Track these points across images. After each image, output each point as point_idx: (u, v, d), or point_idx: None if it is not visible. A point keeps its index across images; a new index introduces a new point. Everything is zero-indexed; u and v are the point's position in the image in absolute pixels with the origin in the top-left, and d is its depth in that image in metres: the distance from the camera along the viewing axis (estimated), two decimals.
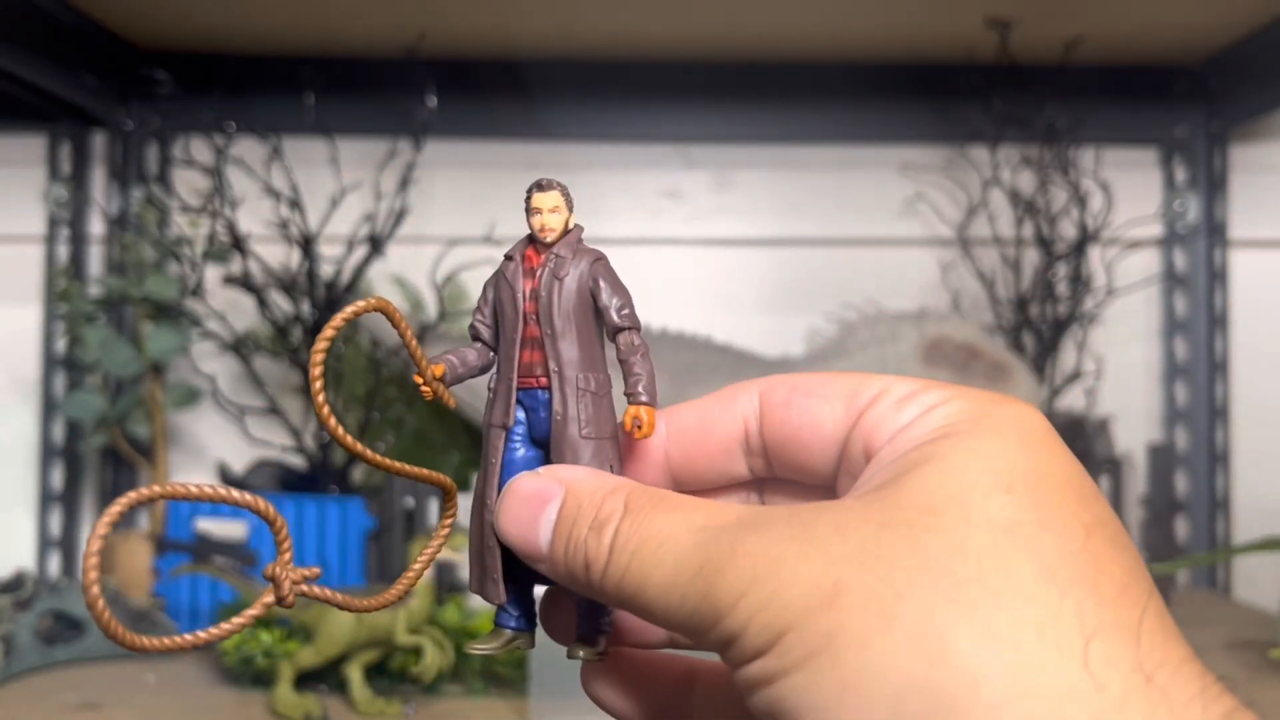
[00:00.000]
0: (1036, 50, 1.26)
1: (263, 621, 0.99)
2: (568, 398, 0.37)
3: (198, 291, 1.22)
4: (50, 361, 1.34)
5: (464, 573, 1.06)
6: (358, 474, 1.27)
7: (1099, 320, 1.33)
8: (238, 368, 1.29)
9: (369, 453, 0.37)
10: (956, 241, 1.37)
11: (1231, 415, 1.41)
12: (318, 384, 0.35)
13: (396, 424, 1.27)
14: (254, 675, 0.97)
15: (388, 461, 0.38)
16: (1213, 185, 1.41)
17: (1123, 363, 1.41)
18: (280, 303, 1.23)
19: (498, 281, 0.39)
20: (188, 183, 1.30)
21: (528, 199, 0.40)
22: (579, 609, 0.38)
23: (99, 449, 1.29)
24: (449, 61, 1.31)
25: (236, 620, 0.33)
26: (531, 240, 0.40)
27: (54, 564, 1.32)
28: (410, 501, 1.05)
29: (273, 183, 1.20)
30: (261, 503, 0.33)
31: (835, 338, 1.24)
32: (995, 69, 1.27)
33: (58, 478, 1.34)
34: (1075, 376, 1.31)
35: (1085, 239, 1.29)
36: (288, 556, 0.34)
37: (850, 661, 0.26)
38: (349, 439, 0.36)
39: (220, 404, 1.28)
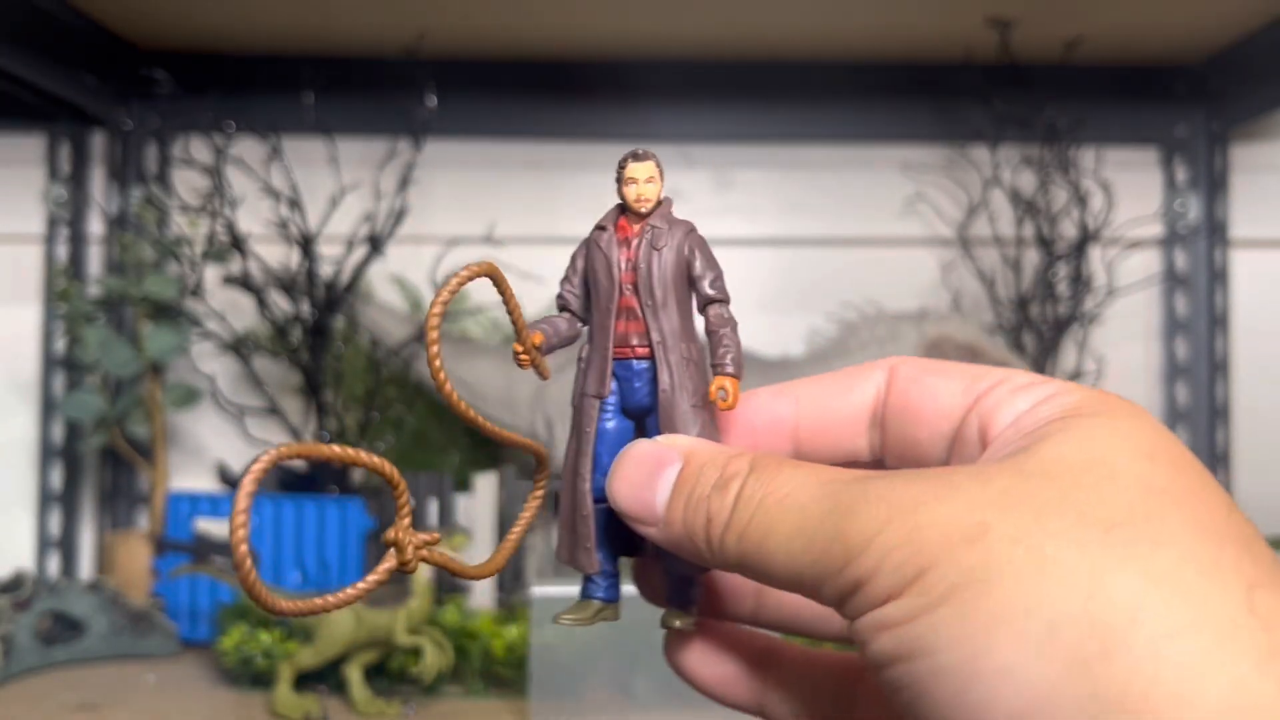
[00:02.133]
0: (1037, 50, 1.26)
1: (262, 622, 0.99)
2: (674, 368, 0.37)
3: (197, 291, 1.22)
4: (50, 361, 1.34)
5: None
6: (357, 474, 1.27)
7: (1099, 320, 1.33)
8: (237, 368, 1.29)
9: (470, 411, 0.37)
10: (957, 241, 1.37)
11: (1232, 415, 1.41)
12: (434, 348, 0.35)
13: (396, 424, 1.27)
14: (253, 676, 0.96)
15: (481, 420, 0.38)
16: (1213, 185, 1.41)
17: (1123, 363, 1.41)
18: (280, 303, 1.23)
19: (589, 251, 0.39)
20: (187, 182, 1.30)
21: (621, 168, 0.39)
22: (669, 576, 0.38)
23: (98, 449, 1.29)
24: (448, 61, 1.31)
25: (370, 579, 0.32)
26: (623, 210, 0.39)
27: (53, 564, 1.32)
28: (410, 503, 1.05)
29: (272, 182, 1.20)
30: (387, 466, 0.32)
31: (835, 338, 1.23)
32: (996, 69, 1.27)
33: (57, 478, 1.34)
34: (1076, 377, 1.31)
35: (1086, 239, 1.29)
36: (408, 521, 0.34)
37: (999, 594, 0.25)
38: (463, 405, 0.37)
39: (220, 404, 1.27)
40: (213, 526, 1.14)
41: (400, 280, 1.35)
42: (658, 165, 0.39)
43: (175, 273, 1.23)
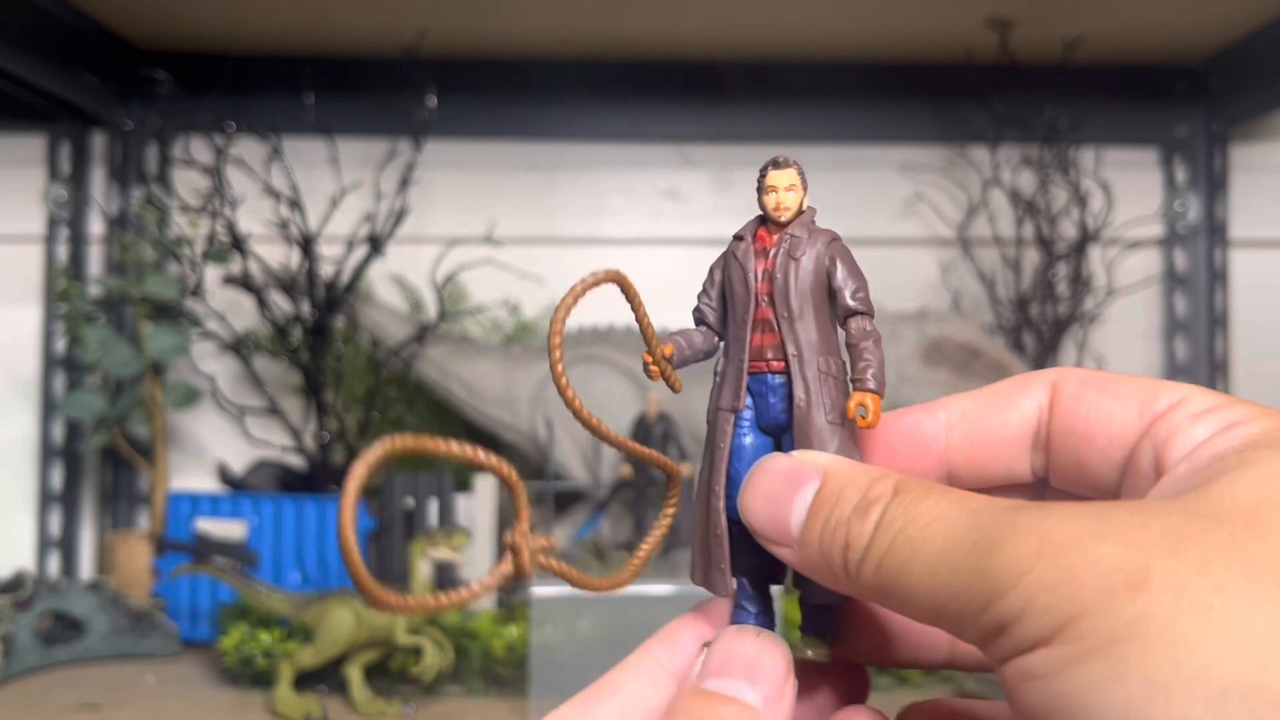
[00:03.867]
0: (1037, 50, 1.26)
1: (262, 622, 0.99)
2: (810, 382, 0.35)
3: (197, 291, 1.22)
4: (50, 361, 1.34)
5: (465, 573, 1.06)
6: None
7: (1099, 320, 1.33)
8: (237, 368, 1.29)
9: (608, 430, 0.36)
10: (957, 241, 1.37)
11: None
12: (556, 352, 0.34)
13: (396, 424, 1.27)
14: (254, 675, 0.96)
15: (618, 437, 0.37)
16: (1213, 185, 1.41)
17: (1123, 363, 1.41)
18: (280, 303, 1.23)
19: (726, 262, 0.38)
20: (187, 183, 1.30)
21: (762, 176, 0.38)
22: (804, 602, 0.36)
23: (99, 449, 1.29)
24: (448, 61, 1.31)
25: (486, 580, 0.30)
26: (763, 220, 0.38)
27: (54, 564, 1.32)
28: (410, 502, 1.05)
29: (272, 183, 1.20)
30: (505, 467, 0.31)
31: None
32: (995, 69, 1.27)
33: (58, 478, 1.34)
34: None
35: (1085, 239, 1.29)
36: (527, 525, 0.32)
37: (1161, 654, 0.23)
38: (593, 419, 0.35)
39: (220, 404, 1.27)
40: (213, 527, 1.14)
41: (400, 280, 1.35)
42: (799, 173, 0.38)
43: (176, 273, 1.23)
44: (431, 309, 1.29)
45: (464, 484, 1.12)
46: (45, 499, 1.33)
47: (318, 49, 1.32)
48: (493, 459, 0.30)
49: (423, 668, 0.92)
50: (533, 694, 0.89)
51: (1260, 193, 1.43)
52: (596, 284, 0.34)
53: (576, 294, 0.34)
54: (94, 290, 1.32)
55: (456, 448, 0.29)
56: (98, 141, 1.38)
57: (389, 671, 0.94)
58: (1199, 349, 1.41)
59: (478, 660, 0.96)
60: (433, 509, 1.05)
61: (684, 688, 0.32)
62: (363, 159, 1.29)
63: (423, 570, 0.92)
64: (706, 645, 0.34)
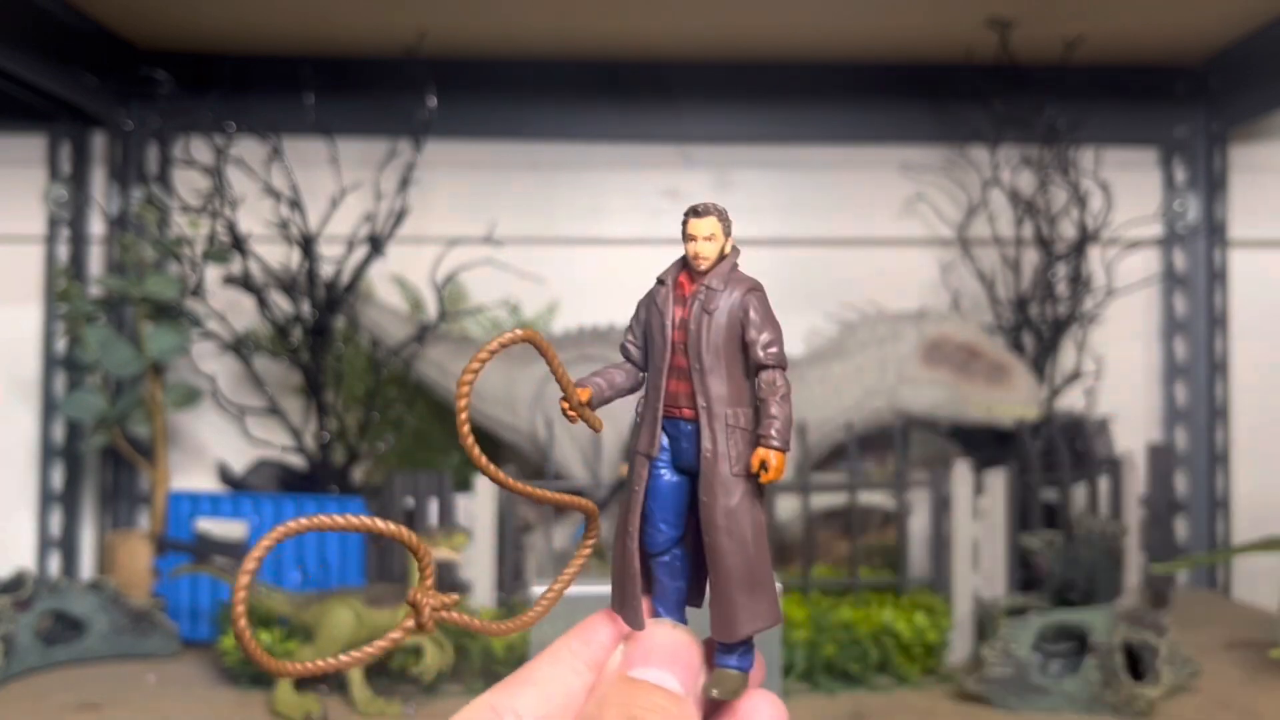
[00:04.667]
0: (1036, 51, 1.26)
1: (263, 621, 0.99)
2: (717, 434, 0.36)
3: (198, 291, 1.22)
4: (51, 361, 1.35)
5: (465, 573, 1.06)
6: (357, 474, 1.27)
7: (1099, 320, 1.33)
8: (238, 368, 1.29)
9: (511, 481, 0.37)
10: (956, 241, 1.37)
11: (1231, 415, 1.41)
12: (463, 414, 0.36)
13: (396, 424, 1.27)
14: (254, 675, 0.97)
15: (528, 488, 0.38)
16: (1212, 185, 1.41)
17: (1122, 363, 1.41)
18: (280, 303, 1.23)
19: (649, 305, 0.39)
20: (188, 183, 1.30)
21: (684, 224, 0.38)
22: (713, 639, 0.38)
23: (99, 449, 1.29)
24: (449, 61, 1.31)
25: (390, 638, 0.33)
26: (685, 265, 0.39)
27: (54, 564, 1.32)
28: (410, 501, 1.05)
29: (273, 183, 1.20)
30: (405, 532, 0.33)
31: (835, 337, 1.24)
32: (995, 69, 1.27)
33: (58, 478, 1.34)
34: (1075, 376, 1.31)
35: (1085, 239, 1.30)
36: (430, 583, 0.34)
37: None
38: (491, 467, 0.36)
39: (220, 404, 1.28)
40: (213, 527, 1.14)
41: (400, 280, 1.35)
42: (721, 220, 0.38)
43: (176, 273, 1.23)
44: (432, 309, 1.29)
45: (464, 484, 1.12)
46: (46, 499, 1.33)
47: (318, 49, 1.32)
48: (391, 526, 0.33)
49: (423, 667, 0.92)
50: None
51: (1259, 193, 1.43)
52: (506, 345, 0.36)
53: (483, 357, 0.35)
54: (94, 290, 1.32)
55: (345, 520, 0.32)
56: (98, 141, 1.38)
57: (389, 671, 0.94)
58: (1198, 349, 1.42)
59: (478, 660, 0.96)
60: (433, 509, 1.05)
61: (609, 674, 0.35)
62: (363, 159, 1.30)
63: None
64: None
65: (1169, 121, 1.41)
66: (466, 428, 0.36)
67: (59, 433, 1.34)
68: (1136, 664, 0.92)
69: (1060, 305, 1.30)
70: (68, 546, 1.33)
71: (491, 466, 0.36)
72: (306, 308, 1.22)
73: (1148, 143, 1.44)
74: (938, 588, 1.06)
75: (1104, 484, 1.21)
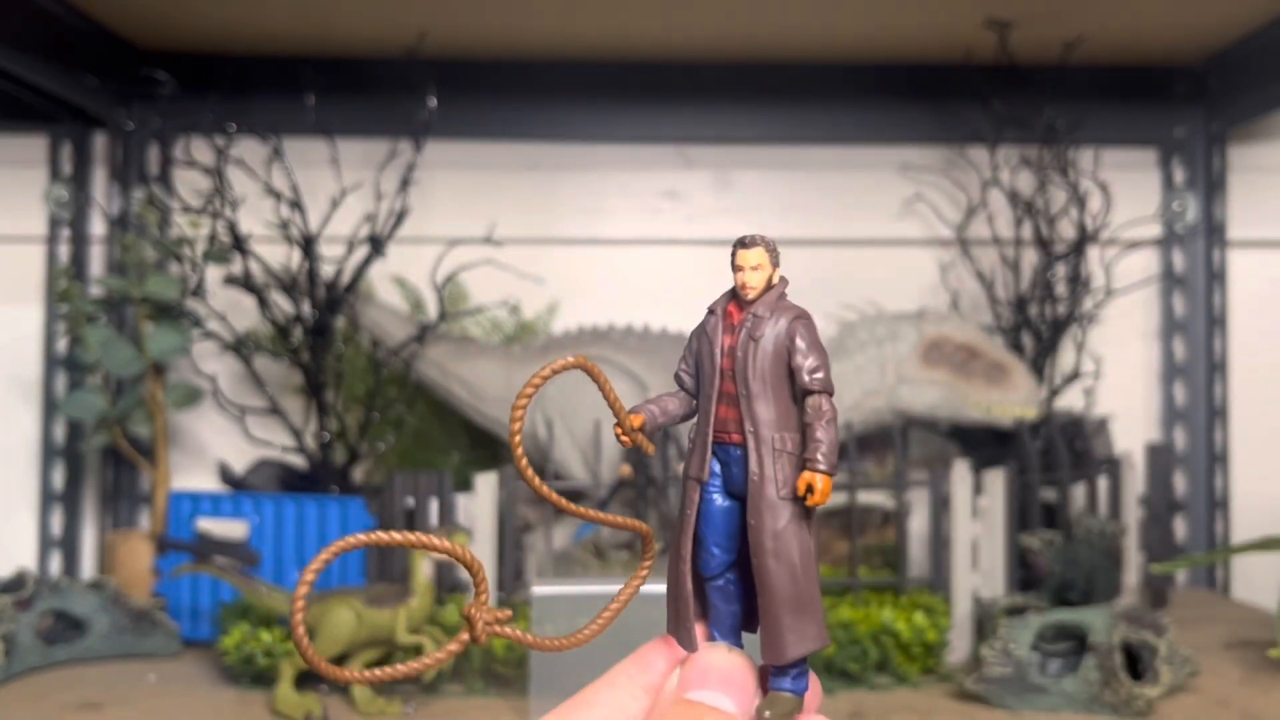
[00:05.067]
0: (1036, 51, 1.26)
1: (263, 621, 0.99)
2: (764, 458, 0.37)
3: (198, 292, 1.22)
4: (52, 362, 1.35)
5: (465, 572, 1.06)
6: (358, 474, 1.27)
7: (1098, 320, 1.33)
8: (238, 368, 1.30)
9: (567, 504, 0.38)
10: (956, 242, 1.38)
11: (1230, 415, 1.42)
12: (517, 436, 0.37)
13: (397, 424, 1.27)
14: (255, 674, 0.97)
15: (584, 510, 0.39)
16: (1211, 186, 1.42)
17: (1121, 363, 1.41)
18: (281, 303, 1.24)
19: (699, 334, 0.40)
20: (188, 183, 1.30)
21: (733, 255, 0.39)
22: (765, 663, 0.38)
23: (100, 449, 1.29)
24: (449, 62, 1.32)
25: (445, 651, 0.34)
26: (734, 295, 0.40)
27: (55, 564, 1.33)
28: (410, 502, 1.05)
29: (273, 183, 1.21)
30: (460, 550, 0.34)
31: (835, 337, 1.24)
32: (995, 70, 1.28)
33: (59, 478, 1.34)
34: (1074, 376, 1.31)
35: (1084, 239, 1.30)
36: (485, 598, 0.35)
37: None
38: (544, 488, 0.37)
39: (221, 404, 1.28)
40: (214, 526, 1.15)
41: (401, 280, 1.36)
42: (768, 250, 0.39)
43: (177, 273, 1.24)
44: (432, 309, 1.30)
45: (464, 484, 1.12)
46: (47, 499, 1.33)
47: (318, 50, 1.32)
48: (447, 544, 0.33)
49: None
50: (533, 693, 0.89)
51: (1258, 193, 1.43)
52: (559, 371, 0.37)
53: (537, 383, 0.36)
54: (95, 290, 1.32)
55: (412, 538, 0.33)
56: (99, 142, 1.38)
57: None
58: (1197, 349, 1.42)
59: (478, 659, 0.96)
60: (433, 509, 1.06)
61: (666, 697, 0.36)
62: (363, 159, 1.30)
63: (423, 570, 0.93)
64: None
65: (1168, 122, 1.42)
66: (520, 450, 0.36)
67: (60, 433, 1.35)
68: (1135, 663, 0.92)
69: (1059, 305, 1.30)
70: (68, 546, 1.33)
71: (545, 487, 0.37)
72: (307, 308, 1.22)
73: (1147, 143, 1.44)
74: (937, 587, 1.06)
75: (1103, 484, 1.21)
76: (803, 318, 0.39)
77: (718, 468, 0.39)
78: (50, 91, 1.19)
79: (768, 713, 0.37)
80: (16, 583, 1.05)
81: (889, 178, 1.42)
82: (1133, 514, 1.21)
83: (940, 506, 1.07)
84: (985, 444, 1.25)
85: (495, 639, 0.35)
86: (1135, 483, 1.23)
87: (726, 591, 0.39)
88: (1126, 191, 1.36)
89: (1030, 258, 1.33)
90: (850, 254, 1.43)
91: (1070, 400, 1.33)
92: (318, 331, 1.22)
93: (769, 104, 1.40)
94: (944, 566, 1.06)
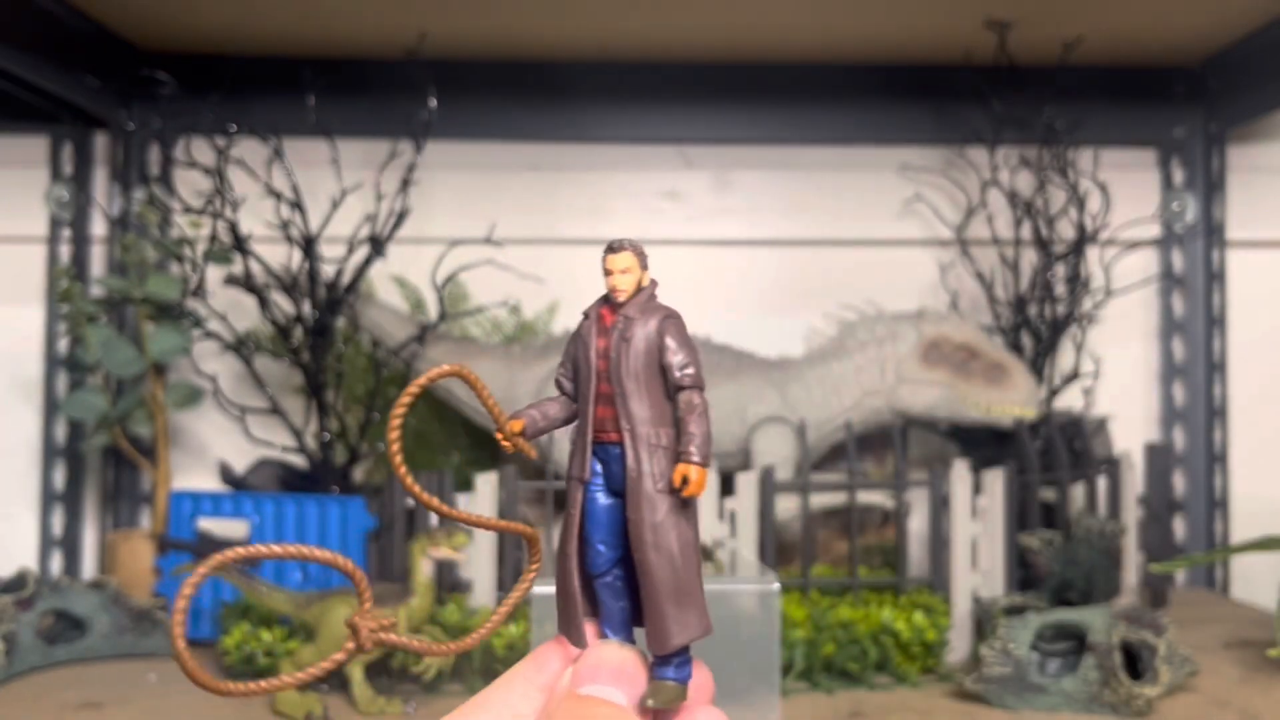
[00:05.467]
0: (1035, 51, 1.26)
1: (264, 621, 0.99)
2: (641, 454, 0.38)
3: (199, 292, 1.23)
4: (53, 362, 1.35)
5: (465, 573, 1.06)
6: (359, 474, 1.28)
7: (1097, 320, 1.34)
8: (239, 368, 1.30)
9: (445, 507, 0.40)
10: (955, 242, 1.38)
11: (1229, 415, 1.42)
12: (395, 443, 0.38)
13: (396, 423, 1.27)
14: (255, 674, 0.97)
15: (469, 515, 0.40)
16: (1210, 186, 1.42)
17: (1121, 363, 1.41)
18: (281, 303, 1.24)
19: (575, 338, 0.41)
20: (189, 183, 1.30)
21: (603, 260, 0.40)
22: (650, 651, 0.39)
23: (101, 449, 1.29)
24: (449, 63, 1.32)
25: (331, 660, 0.35)
26: (607, 299, 0.41)
27: (56, 563, 1.33)
28: (410, 501, 1.05)
29: (274, 184, 1.21)
30: (339, 558, 0.35)
31: (835, 337, 1.24)
32: (994, 70, 1.28)
33: (60, 477, 1.35)
34: (1073, 376, 1.31)
35: (1083, 239, 1.30)
36: (368, 606, 0.36)
37: None
38: (424, 494, 0.38)
39: (222, 404, 1.28)
40: (215, 526, 1.15)
41: (401, 281, 1.36)
42: (636, 255, 0.40)
43: (177, 273, 1.24)
44: (432, 309, 1.30)
45: (465, 484, 1.13)
46: (47, 498, 1.33)
47: (319, 50, 1.32)
48: (326, 554, 0.35)
49: (424, 666, 0.92)
50: None
51: (1257, 193, 1.44)
52: (435, 379, 0.37)
53: (414, 391, 0.37)
54: (96, 290, 1.32)
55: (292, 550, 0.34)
56: (100, 142, 1.38)
57: (390, 670, 0.95)
58: (1196, 349, 1.42)
59: (479, 659, 0.97)
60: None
61: (559, 693, 0.37)
62: (364, 160, 1.30)
63: (424, 570, 0.93)
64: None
65: (1167, 122, 1.42)
66: (398, 450, 0.38)
67: (61, 433, 1.35)
68: (1135, 663, 0.92)
69: (1059, 305, 1.30)
70: (69, 546, 1.33)
71: (425, 494, 0.38)
72: (307, 308, 1.22)
73: (1146, 143, 1.44)
74: (936, 587, 1.06)
75: (1102, 483, 1.21)
76: (672, 317, 0.40)
77: (599, 467, 0.40)
78: (51, 92, 1.19)
79: (650, 701, 0.38)
80: (17, 582, 1.05)
81: (889, 178, 1.42)
82: (1132, 514, 1.21)
83: (940, 506, 1.07)
84: (985, 444, 1.25)
85: (381, 646, 0.35)
86: (1134, 482, 1.23)
87: (614, 588, 0.40)
88: (1126, 192, 1.36)
89: (1030, 258, 1.33)
90: (850, 254, 1.43)
91: (1069, 400, 1.33)
92: (318, 331, 1.22)
93: (769, 104, 1.40)
94: (943, 566, 1.07)
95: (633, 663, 0.38)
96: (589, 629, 0.40)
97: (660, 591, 0.38)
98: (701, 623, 0.38)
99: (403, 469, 0.37)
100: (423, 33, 1.23)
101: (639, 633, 0.40)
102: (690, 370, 0.39)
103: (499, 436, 0.40)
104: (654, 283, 0.41)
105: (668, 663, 0.39)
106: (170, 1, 1.19)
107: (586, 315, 0.41)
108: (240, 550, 0.33)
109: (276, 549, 0.33)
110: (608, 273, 0.40)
